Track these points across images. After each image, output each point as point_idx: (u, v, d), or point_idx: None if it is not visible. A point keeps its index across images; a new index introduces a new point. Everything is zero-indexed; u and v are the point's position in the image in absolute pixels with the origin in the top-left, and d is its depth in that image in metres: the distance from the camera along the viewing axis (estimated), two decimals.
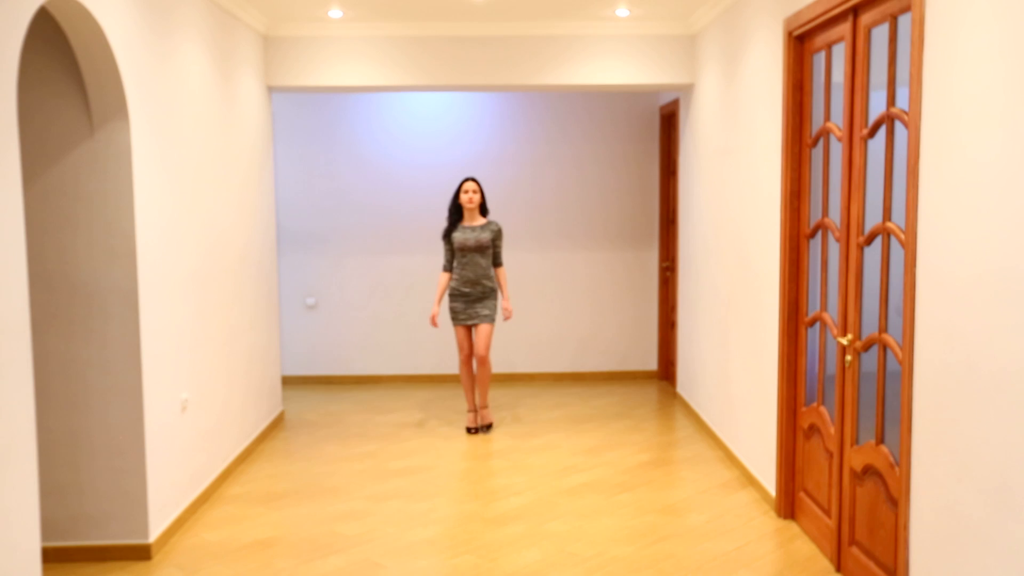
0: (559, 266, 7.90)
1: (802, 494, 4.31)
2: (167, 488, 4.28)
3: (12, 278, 2.92)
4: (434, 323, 6.12)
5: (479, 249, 6.03)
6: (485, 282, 6.09)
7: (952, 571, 2.81)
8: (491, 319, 6.13)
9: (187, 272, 4.63)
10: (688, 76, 6.39)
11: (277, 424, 6.43)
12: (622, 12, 5.93)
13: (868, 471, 3.53)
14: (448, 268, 6.12)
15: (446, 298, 6.59)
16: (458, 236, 6.06)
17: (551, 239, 7.88)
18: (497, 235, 6.13)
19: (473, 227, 6.08)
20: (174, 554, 4.13)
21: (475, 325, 6.10)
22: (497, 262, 6.15)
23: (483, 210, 6.16)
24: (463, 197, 6.07)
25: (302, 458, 5.70)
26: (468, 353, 6.17)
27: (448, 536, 4.31)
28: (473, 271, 6.05)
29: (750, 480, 4.96)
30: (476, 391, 6.22)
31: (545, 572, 3.90)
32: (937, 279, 2.89)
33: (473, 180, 6.14)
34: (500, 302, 6.22)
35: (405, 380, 7.83)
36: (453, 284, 6.11)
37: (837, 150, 3.89)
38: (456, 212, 6.13)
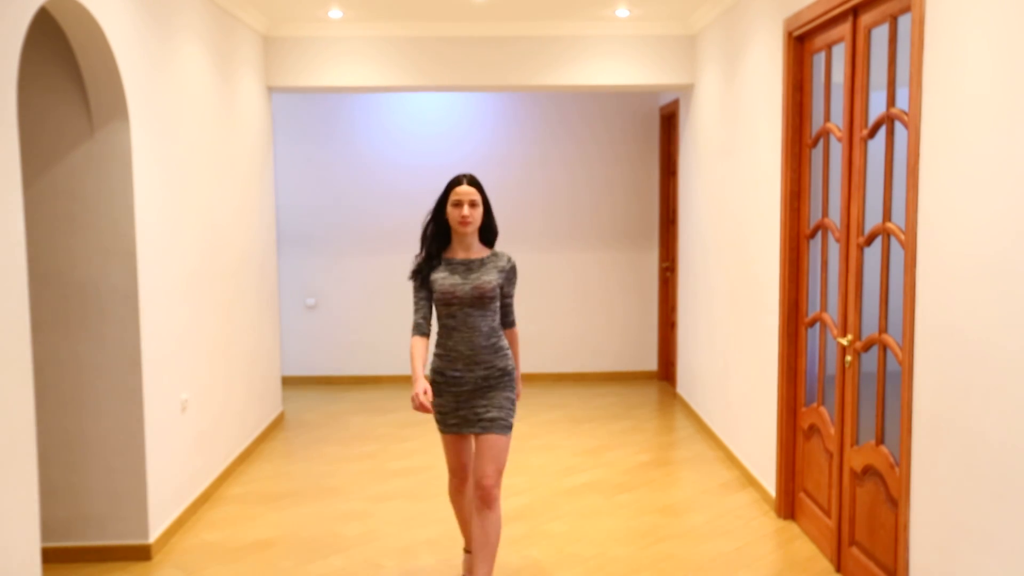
0: (559, 267, 7.90)
1: (802, 494, 4.31)
2: (167, 488, 4.28)
3: (12, 278, 2.92)
4: (424, 407, 3.30)
5: (479, 302, 3.44)
6: (489, 358, 3.48)
7: (952, 571, 2.81)
8: (505, 425, 3.48)
9: (187, 272, 4.63)
10: (688, 76, 6.39)
11: (277, 424, 6.43)
12: (622, 12, 5.93)
13: (868, 471, 3.53)
14: (423, 331, 3.51)
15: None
16: (442, 279, 3.46)
17: (551, 240, 7.87)
18: (509, 278, 3.55)
19: (468, 262, 3.49)
20: (174, 554, 4.13)
21: (477, 435, 3.50)
22: (508, 321, 3.63)
23: (487, 234, 3.59)
24: (454, 212, 3.46)
25: (302, 458, 5.70)
26: (464, 478, 3.67)
27: (448, 536, 4.31)
28: (468, 340, 3.46)
29: (750, 480, 4.96)
30: (476, 534, 3.46)
31: (545, 572, 3.90)
32: (937, 279, 2.89)
33: (472, 182, 3.49)
34: (517, 385, 3.62)
35: (405, 380, 7.83)
36: (435, 363, 3.56)
37: (837, 150, 3.89)
38: (439, 236, 3.53)
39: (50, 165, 3.90)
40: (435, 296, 3.46)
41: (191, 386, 4.65)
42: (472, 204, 3.43)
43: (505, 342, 3.56)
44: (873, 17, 3.46)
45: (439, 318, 3.52)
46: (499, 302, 3.53)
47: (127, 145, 3.91)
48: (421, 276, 3.51)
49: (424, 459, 5.59)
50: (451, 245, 3.53)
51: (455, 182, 3.48)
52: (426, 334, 3.50)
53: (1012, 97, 2.46)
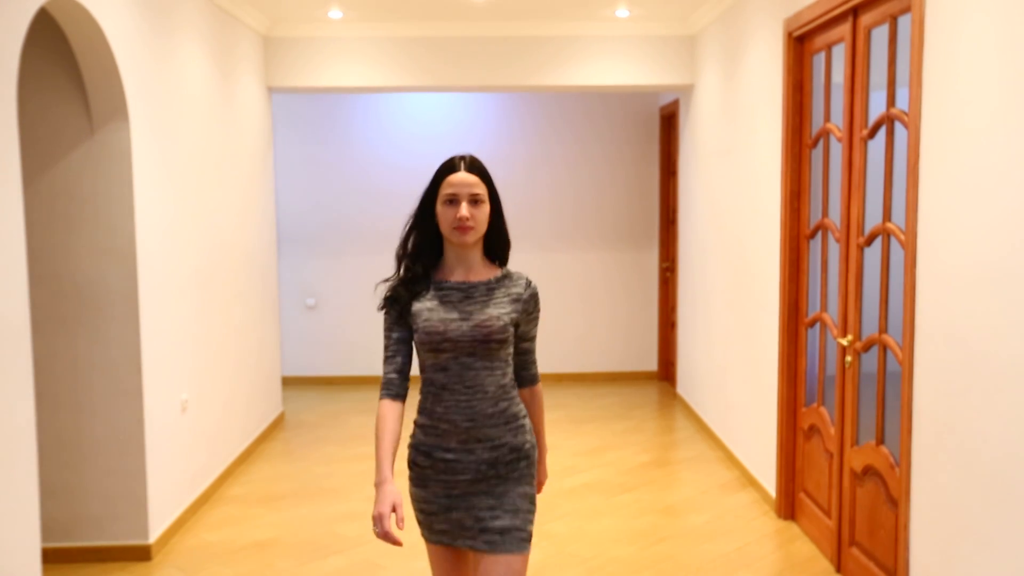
0: (559, 267, 7.90)
1: (802, 495, 4.31)
2: (167, 489, 4.28)
3: (12, 278, 2.92)
4: (391, 538, 2.21)
5: (484, 348, 2.34)
6: (498, 432, 2.38)
7: (952, 571, 2.81)
8: (522, 537, 2.42)
9: (187, 272, 4.63)
10: (688, 77, 6.39)
11: (277, 425, 6.43)
12: (622, 12, 5.93)
13: (868, 472, 3.53)
14: (396, 392, 2.38)
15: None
16: (428, 312, 2.36)
17: (550, 240, 7.87)
18: (528, 311, 2.44)
19: (468, 288, 2.39)
20: (174, 555, 4.13)
21: (480, 553, 2.36)
22: (527, 376, 2.53)
23: (495, 247, 2.45)
24: (446, 214, 2.34)
25: (302, 459, 5.70)
26: None
27: None
28: (467, 406, 2.35)
29: (750, 481, 4.96)
30: None
31: (546, 572, 3.90)
32: (937, 279, 2.89)
33: (473, 167, 2.38)
34: (539, 472, 2.63)
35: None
36: (416, 437, 2.43)
37: (837, 151, 3.89)
38: (425, 249, 2.42)
39: (50, 165, 3.90)
40: (418, 337, 2.30)
41: (191, 386, 4.65)
42: (474, 200, 2.30)
43: (522, 407, 2.40)
44: (873, 17, 3.46)
45: (423, 370, 2.36)
46: (512, 347, 2.38)
47: (127, 145, 3.91)
48: (398, 307, 2.34)
49: None
50: (443, 262, 2.38)
51: (448, 167, 2.34)
52: (400, 397, 2.34)
53: (1012, 97, 2.46)
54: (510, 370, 2.43)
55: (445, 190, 2.34)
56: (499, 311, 2.35)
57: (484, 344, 2.32)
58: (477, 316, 2.33)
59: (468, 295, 2.37)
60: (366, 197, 7.77)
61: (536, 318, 2.48)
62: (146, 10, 4.13)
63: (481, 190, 2.34)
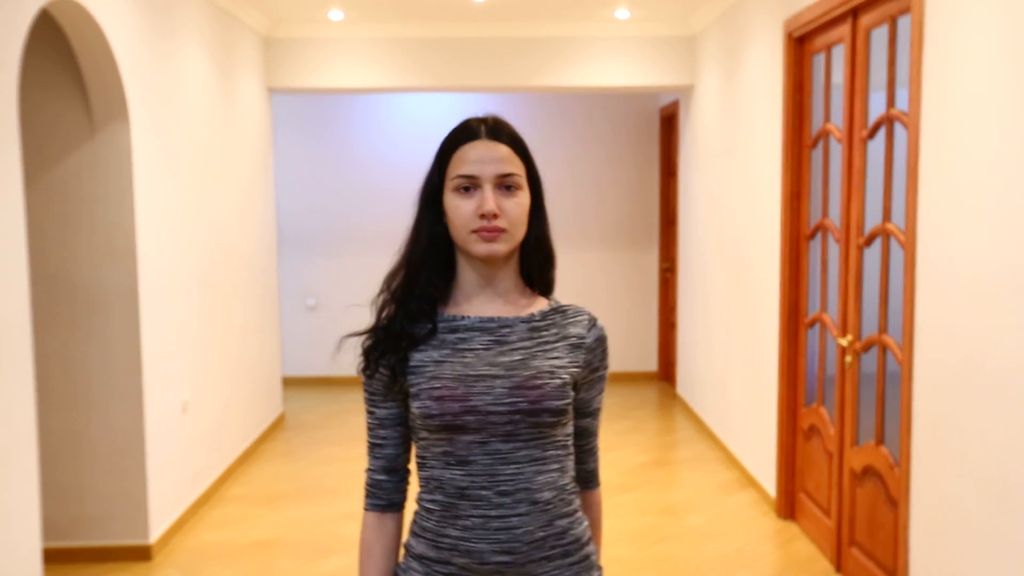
0: (559, 267, 7.88)
1: (802, 495, 4.31)
2: (168, 489, 4.28)
3: (13, 278, 2.93)
4: None
5: (532, 422, 1.43)
6: (555, 569, 1.45)
7: (952, 571, 2.81)
8: None
9: (188, 273, 4.63)
10: (688, 77, 6.40)
11: (277, 425, 6.43)
12: (622, 13, 5.93)
13: (868, 472, 3.54)
14: (385, 501, 1.53)
15: None
16: (434, 365, 1.46)
17: None
18: (592, 363, 1.53)
19: (500, 326, 1.49)
20: (175, 555, 4.14)
21: None
22: (584, 471, 1.60)
23: (537, 263, 1.55)
24: (462, 208, 1.44)
25: (302, 459, 5.70)
26: None
27: None
28: (501, 525, 1.41)
29: (750, 481, 4.96)
30: None
31: None
32: (937, 280, 2.89)
33: (500, 132, 1.47)
34: None
35: None
36: (407, 567, 1.49)
37: (837, 151, 3.90)
38: (430, 263, 1.51)
39: (51, 166, 3.90)
40: (419, 409, 1.45)
41: (192, 387, 4.66)
42: (506, 185, 1.45)
43: (582, 520, 1.53)
44: (873, 18, 3.47)
45: (423, 466, 1.50)
46: (571, 423, 1.52)
47: (127, 146, 3.91)
48: (387, 363, 1.49)
49: None
50: (455, 290, 1.53)
51: (461, 133, 1.48)
52: (395, 507, 1.55)
53: (1012, 98, 2.47)
54: (571, 464, 1.52)
55: (456, 169, 1.45)
56: (553, 362, 1.47)
57: (533, 417, 1.43)
58: (520, 371, 1.44)
59: (500, 339, 1.48)
60: (366, 197, 7.78)
61: (603, 379, 1.57)
62: (147, 11, 4.13)
63: (516, 168, 1.45)
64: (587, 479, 1.61)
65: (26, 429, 3.00)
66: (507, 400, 1.42)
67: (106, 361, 3.97)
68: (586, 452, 1.60)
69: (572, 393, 1.48)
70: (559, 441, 1.48)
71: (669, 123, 7.57)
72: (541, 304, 1.55)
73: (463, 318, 1.49)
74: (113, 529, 4.04)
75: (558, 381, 1.45)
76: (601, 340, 1.55)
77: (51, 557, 3.94)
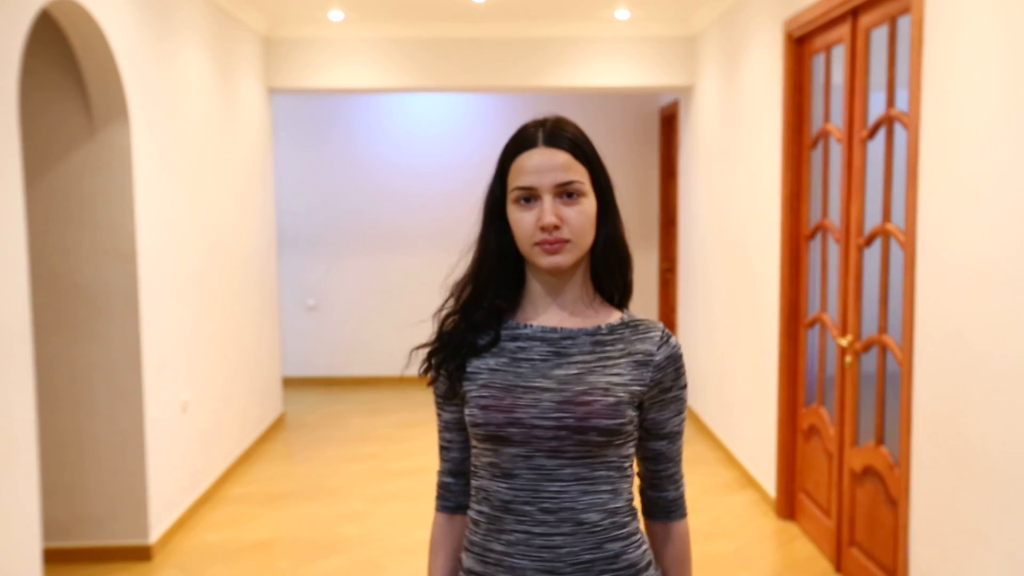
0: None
1: (802, 495, 4.32)
2: (168, 489, 4.29)
3: (13, 279, 2.93)
4: None
5: (578, 441, 1.39)
6: None
7: (952, 571, 2.82)
8: None
9: (188, 273, 4.64)
10: (688, 78, 6.40)
11: (277, 425, 6.43)
12: (622, 14, 5.93)
13: (868, 472, 3.54)
14: (457, 504, 1.56)
15: None
16: (488, 373, 1.45)
17: None
18: (661, 383, 1.47)
19: (562, 337, 1.46)
20: (175, 555, 4.14)
21: None
22: (663, 500, 1.63)
23: (606, 272, 1.51)
24: (522, 220, 1.41)
25: (303, 459, 5.70)
26: None
27: None
28: (544, 544, 1.40)
29: (750, 481, 4.96)
30: None
31: None
32: (936, 280, 2.89)
33: (559, 137, 1.44)
34: None
35: (405, 381, 7.83)
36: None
37: (837, 152, 3.90)
38: (492, 276, 1.47)
39: (51, 166, 3.90)
40: (469, 416, 1.45)
41: (192, 387, 4.66)
42: (567, 192, 1.41)
43: (648, 554, 1.53)
44: (872, 18, 3.47)
45: (475, 471, 1.50)
46: (635, 445, 1.48)
47: (127, 146, 3.91)
48: (450, 368, 1.48)
49: (424, 460, 5.59)
50: (523, 300, 1.51)
51: (518, 141, 1.46)
52: (462, 510, 1.55)
53: (1011, 98, 2.47)
54: (628, 486, 1.47)
55: (515, 180, 1.42)
56: (611, 379, 1.41)
57: (580, 435, 1.38)
58: (573, 386, 1.40)
59: (560, 350, 1.44)
60: (366, 197, 7.78)
61: (679, 399, 1.49)
62: (147, 11, 4.13)
63: (578, 175, 1.41)
64: (668, 509, 1.55)
65: (26, 429, 3.00)
66: (553, 415, 1.38)
67: (106, 361, 3.97)
68: (664, 479, 1.53)
69: (632, 413, 1.42)
70: (612, 462, 1.42)
71: (669, 123, 7.57)
72: (612, 316, 1.50)
73: (526, 327, 1.47)
74: (113, 529, 4.04)
75: (612, 399, 1.39)
76: (673, 359, 1.48)
77: (51, 557, 3.94)
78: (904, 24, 3.21)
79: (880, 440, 3.44)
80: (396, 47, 6.33)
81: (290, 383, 7.66)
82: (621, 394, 1.40)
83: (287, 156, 7.65)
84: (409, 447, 5.90)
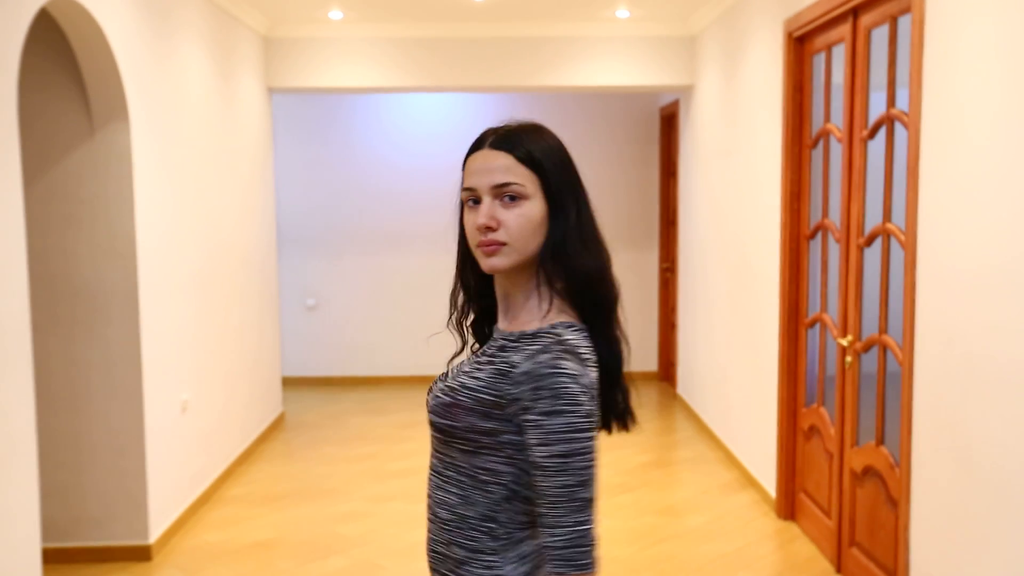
0: None
1: (802, 495, 4.31)
2: (167, 489, 4.28)
3: (13, 279, 2.93)
4: None
5: (439, 426, 1.47)
6: (452, 568, 1.46)
7: (952, 571, 2.81)
8: None
9: (187, 273, 4.63)
10: (688, 77, 6.39)
11: (277, 425, 6.43)
12: (622, 13, 5.93)
13: (868, 472, 3.53)
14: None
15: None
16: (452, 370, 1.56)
17: None
18: (520, 401, 1.35)
19: (498, 341, 1.48)
20: (174, 555, 4.13)
21: None
22: (543, 547, 1.33)
23: (543, 277, 1.45)
24: (467, 221, 1.46)
25: (302, 459, 5.70)
26: None
27: None
28: (431, 503, 1.53)
29: (750, 481, 4.96)
30: None
31: None
32: (937, 280, 2.89)
33: (506, 140, 1.51)
34: None
35: (405, 381, 7.83)
36: None
37: (837, 151, 3.90)
38: (475, 279, 1.56)
39: (51, 166, 3.90)
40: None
41: (192, 387, 4.66)
42: (507, 195, 1.43)
43: (493, 566, 1.42)
44: (873, 18, 3.46)
45: None
46: (493, 458, 1.41)
47: (127, 146, 3.91)
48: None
49: (424, 460, 5.56)
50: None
51: (475, 143, 1.54)
52: None
53: (1012, 97, 2.47)
54: (488, 501, 1.42)
55: (464, 182, 1.47)
56: (466, 380, 1.43)
57: (437, 432, 1.47)
58: (453, 380, 1.47)
59: (482, 353, 1.49)
60: (366, 197, 7.78)
61: (539, 427, 1.32)
62: (146, 11, 4.13)
63: (518, 178, 1.42)
64: (547, 558, 1.32)
65: (26, 429, 3.00)
66: (432, 400, 1.49)
67: (106, 361, 3.97)
68: (539, 518, 1.33)
69: (473, 420, 1.38)
70: (462, 468, 1.43)
71: (669, 123, 7.57)
72: (543, 323, 1.42)
73: (496, 330, 1.51)
74: (113, 529, 4.04)
75: (448, 400, 1.43)
76: (532, 376, 1.32)
77: (51, 557, 3.94)
78: (905, 24, 3.21)
79: (880, 440, 3.44)
80: (396, 46, 6.33)
81: (290, 383, 7.65)
82: (462, 397, 1.41)
83: (287, 156, 7.64)
84: (409, 447, 5.89)
